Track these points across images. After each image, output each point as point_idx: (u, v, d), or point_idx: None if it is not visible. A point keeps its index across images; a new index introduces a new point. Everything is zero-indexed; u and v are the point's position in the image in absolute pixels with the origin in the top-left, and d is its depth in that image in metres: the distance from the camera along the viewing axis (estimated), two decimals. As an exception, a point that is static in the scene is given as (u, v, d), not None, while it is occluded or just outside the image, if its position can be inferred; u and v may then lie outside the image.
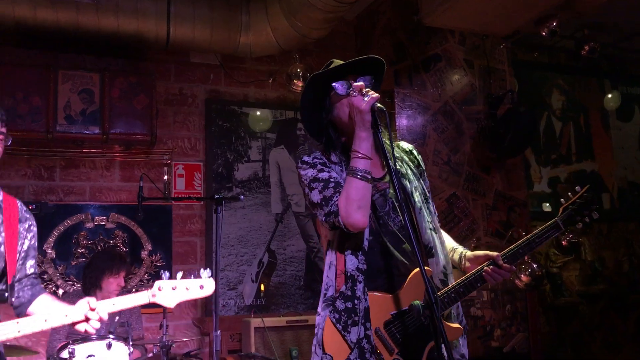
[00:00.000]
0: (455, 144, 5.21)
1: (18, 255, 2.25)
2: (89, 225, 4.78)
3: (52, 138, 4.48)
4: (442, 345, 1.82)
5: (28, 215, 2.34)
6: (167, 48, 4.90)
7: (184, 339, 4.35)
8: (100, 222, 4.81)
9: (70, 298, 3.86)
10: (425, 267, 2.01)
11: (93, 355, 3.24)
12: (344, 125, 2.18)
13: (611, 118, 6.80)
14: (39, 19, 4.37)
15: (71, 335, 3.71)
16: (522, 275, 4.99)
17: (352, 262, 2.10)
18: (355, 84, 2.07)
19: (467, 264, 2.27)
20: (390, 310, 2.08)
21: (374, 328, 2.05)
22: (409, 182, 2.22)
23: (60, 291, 4.56)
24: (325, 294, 2.16)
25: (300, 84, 5.15)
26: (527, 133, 5.22)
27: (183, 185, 5.14)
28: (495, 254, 2.18)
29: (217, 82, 5.43)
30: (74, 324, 2.14)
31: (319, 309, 2.18)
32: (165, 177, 5.02)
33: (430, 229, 2.19)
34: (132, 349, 3.39)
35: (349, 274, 2.09)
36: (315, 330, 2.16)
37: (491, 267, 2.15)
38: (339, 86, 2.13)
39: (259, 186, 5.42)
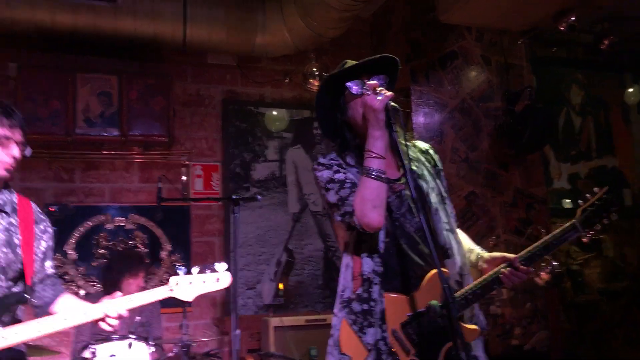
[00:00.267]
0: (472, 141, 5.17)
1: (35, 256, 2.28)
2: (109, 226, 4.84)
3: (72, 140, 4.54)
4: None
5: (43, 217, 2.38)
6: (184, 50, 4.93)
7: (204, 339, 4.38)
8: (120, 223, 4.86)
9: (92, 299, 3.90)
10: (442, 269, 1.99)
11: (115, 355, 3.28)
12: (358, 126, 2.17)
13: (632, 113, 6.69)
14: (58, 23, 4.43)
15: (94, 335, 3.76)
16: (542, 273, 4.92)
17: (368, 264, 2.09)
18: (368, 82, 2.06)
19: (484, 265, 2.25)
20: (407, 311, 2.07)
21: (391, 329, 2.05)
22: (425, 182, 2.20)
23: (82, 292, 4.62)
24: (342, 295, 2.17)
25: (316, 83, 5.15)
26: (546, 129, 5.17)
27: (201, 186, 5.17)
28: (512, 256, 2.16)
29: (234, 82, 5.46)
30: (94, 322, 2.17)
31: (335, 310, 2.19)
32: (184, 177, 5.06)
33: (447, 230, 2.18)
34: (152, 349, 3.42)
35: (365, 277, 2.08)
36: (332, 332, 2.16)
37: (508, 269, 2.13)
38: (353, 86, 2.12)
39: (276, 186, 5.44)
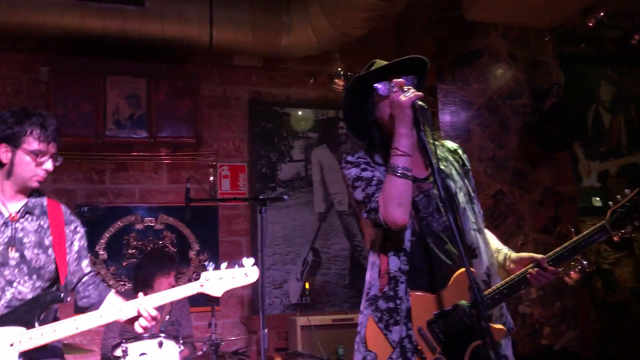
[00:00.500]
0: (500, 139, 5.12)
1: (68, 257, 2.33)
2: (139, 226, 4.92)
3: (102, 142, 4.63)
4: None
5: (73, 218, 2.42)
6: (210, 52, 4.98)
7: (232, 338, 4.42)
8: (150, 224, 4.94)
9: (122, 298, 3.98)
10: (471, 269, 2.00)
11: (145, 354, 3.32)
12: (386, 126, 2.18)
13: (664, 108, 6.56)
14: (87, 27, 4.51)
15: (124, 333, 3.83)
16: (572, 272, 4.87)
17: (394, 262, 2.10)
18: (396, 80, 2.07)
19: (512, 265, 2.24)
20: (433, 309, 2.08)
21: (417, 327, 2.06)
22: (454, 182, 2.20)
23: (104, 284, 4.69)
24: (368, 293, 2.18)
25: (341, 83, 5.16)
26: (575, 126, 5.10)
27: (228, 186, 5.22)
28: (540, 256, 2.15)
29: (260, 83, 5.49)
30: (128, 320, 2.22)
31: (361, 308, 2.21)
32: (211, 178, 5.11)
33: (474, 229, 2.17)
34: (182, 347, 3.47)
35: (391, 275, 2.10)
36: (358, 329, 2.19)
37: (536, 269, 2.12)
38: (381, 87, 2.13)
39: (302, 185, 5.46)
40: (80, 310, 2.37)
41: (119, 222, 4.88)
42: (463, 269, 2.05)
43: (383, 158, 2.20)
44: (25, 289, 2.20)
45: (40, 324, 2.13)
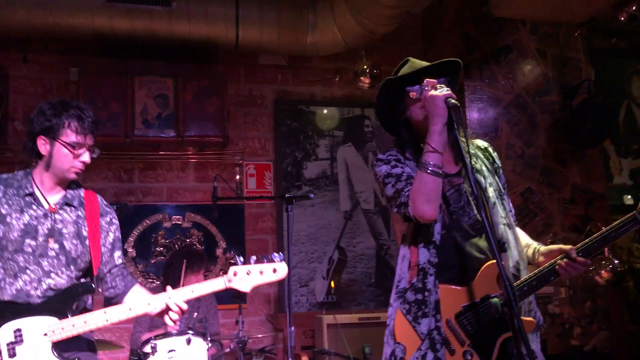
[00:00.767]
0: (529, 136, 5.05)
1: (103, 247, 2.37)
2: (167, 224, 4.97)
3: (131, 142, 4.69)
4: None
5: (109, 210, 2.46)
6: (237, 51, 5.01)
7: (259, 335, 4.44)
8: (177, 222, 4.99)
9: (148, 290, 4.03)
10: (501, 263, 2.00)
11: (174, 350, 3.36)
12: (417, 126, 2.23)
13: (698, 104, 6.39)
14: (115, 28, 4.58)
15: (153, 327, 3.88)
16: (603, 272, 4.79)
17: (424, 254, 2.14)
18: (428, 80, 2.09)
19: (541, 258, 2.24)
20: (461, 302, 2.10)
21: (445, 319, 2.08)
22: (484, 178, 2.24)
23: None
24: (397, 286, 2.22)
25: (367, 80, 5.13)
26: (606, 123, 5.00)
27: (254, 185, 5.25)
28: (569, 247, 2.14)
29: (285, 82, 5.51)
30: (158, 313, 2.24)
31: (391, 300, 2.24)
32: (238, 177, 5.15)
33: (504, 224, 2.20)
34: (210, 344, 3.50)
35: (420, 267, 2.13)
36: (387, 321, 2.22)
37: (565, 260, 2.11)
38: (412, 91, 2.16)
39: (328, 184, 5.46)
40: (106, 300, 2.40)
41: (147, 220, 4.94)
42: (491, 261, 2.08)
43: (413, 154, 2.24)
44: (62, 279, 2.24)
45: (72, 315, 2.17)
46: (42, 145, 2.24)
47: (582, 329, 4.91)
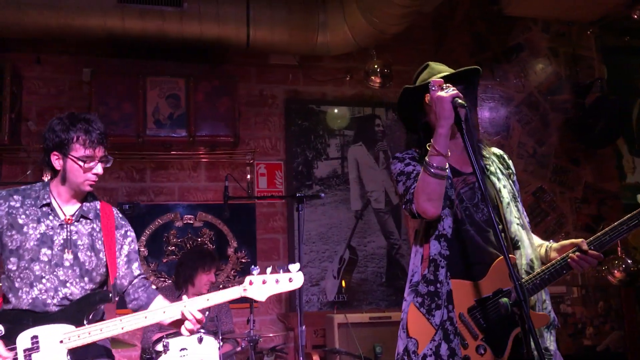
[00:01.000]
0: (540, 135, 5.03)
1: (118, 260, 2.40)
2: (178, 224, 5.00)
3: (143, 142, 4.72)
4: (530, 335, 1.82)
5: (124, 222, 2.48)
6: (247, 51, 5.03)
7: (270, 334, 4.45)
8: (189, 221, 5.02)
9: (162, 293, 4.05)
10: (510, 255, 2.03)
11: (185, 349, 3.39)
12: (434, 128, 2.23)
13: None
14: (127, 29, 4.61)
15: (164, 327, 3.90)
16: (616, 271, 4.75)
17: (435, 247, 2.16)
18: (434, 79, 2.10)
19: (554, 254, 2.24)
20: (473, 296, 2.12)
21: (458, 313, 2.09)
22: (498, 180, 2.27)
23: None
24: (410, 280, 2.25)
25: (378, 80, 5.13)
26: (618, 122, 4.98)
27: (265, 184, 5.26)
28: (581, 240, 2.15)
29: (296, 82, 5.52)
30: (171, 323, 2.26)
31: (405, 294, 2.26)
32: (249, 176, 5.17)
33: (518, 224, 2.22)
34: (221, 343, 3.52)
35: (432, 258, 2.16)
36: (402, 315, 2.24)
37: (577, 253, 2.11)
38: (428, 97, 2.17)
39: (338, 183, 5.46)
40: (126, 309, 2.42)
41: (159, 220, 4.97)
42: (502, 257, 2.08)
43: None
44: (77, 290, 2.27)
45: (88, 323, 2.20)
46: (56, 160, 2.29)
47: (594, 328, 4.89)
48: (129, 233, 2.47)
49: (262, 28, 4.80)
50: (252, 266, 2.26)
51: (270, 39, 4.89)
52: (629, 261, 4.75)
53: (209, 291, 3.83)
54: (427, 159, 2.08)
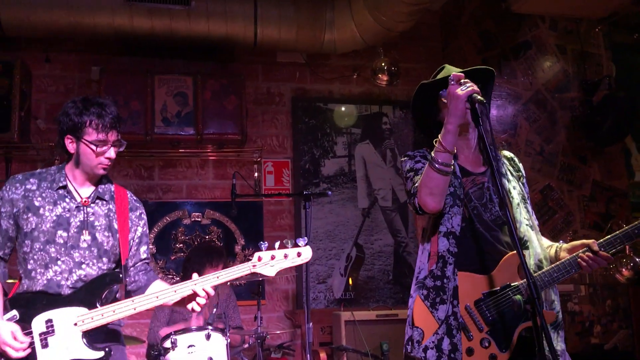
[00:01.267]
0: (548, 133, 5.02)
1: (131, 241, 2.42)
2: (186, 221, 5.02)
3: (151, 140, 4.74)
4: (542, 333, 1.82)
5: (138, 205, 2.50)
6: (255, 49, 5.04)
7: (277, 331, 4.47)
8: (197, 219, 5.04)
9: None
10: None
11: (193, 345, 3.40)
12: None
13: None
14: (136, 27, 4.63)
15: (171, 322, 3.93)
16: (624, 270, 4.74)
17: (443, 243, 2.18)
18: (454, 73, 2.09)
19: (564, 254, 2.25)
20: (480, 289, 2.13)
21: (464, 305, 2.11)
22: (508, 181, 2.29)
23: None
24: (417, 277, 2.26)
25: (385, 77, 5.13)
26: (627, 119, 4.94)
27: (272, 182, 5.28)
28: (591, 241, 2.16)
29: (303, 79, 5.53)
30: (182, 300, 2.26)
31: (411, 292, 2.28)
32: (256, 174, 5.18)
33: (527, 224, 2.23)
34: (229, 340, 3.54)
35: (440, 254, 2.17)
36: (408, 312, 2.26)
37: (587, 253, 2.13)
38: (444, 94, 2.18)
39: (345, 181, 5.47)
40: (127, 294, 2.44)
41: (167, 217, 4.99)
42: (513, 252, 2.13)
43: None
44: (93, 270, 2.29)
45: (101, 304, 2.22)
46: (70, 144, 2.31)
47: (602, 327, 4.87)
48: (142, 215, 2.50)
49: (270, 26, 4.82)
50: (260, 242, 2.26)
51: (277, 37, 4.90)
52: (637, 260, 4.73)
53: (216, 288, 3.85)
54: (433, 154, 2.10)
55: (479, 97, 1.98)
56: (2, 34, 4.53)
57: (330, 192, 5.16)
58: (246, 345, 3.98)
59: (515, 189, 2.28)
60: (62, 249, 2.26)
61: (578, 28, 5.24)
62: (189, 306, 2.26)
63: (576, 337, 4.78)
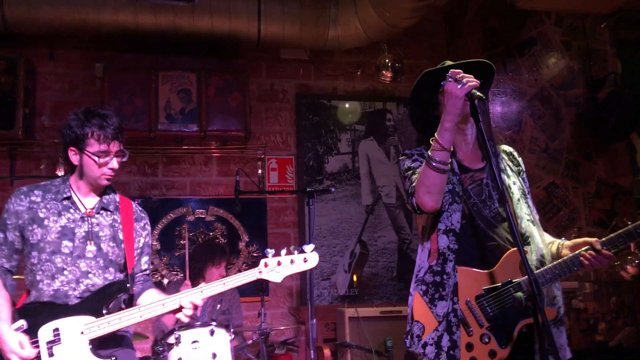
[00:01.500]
0: (553, 130, 5.00)
1: (135, 251, 2.44)
2: (190, 218, 5.03)
3: (155, 136, 4.75)
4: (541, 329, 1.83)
5: (143, 215, 2.53)
6: (259, 46, 5.04)
7: (281, 327, 4.48)
8: (200, 215, 5.05)
9: (174, 287, 4.09)
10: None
11: (197, 341, 3.40)
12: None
13: None
14: (140, 24, 4.64)
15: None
16: (629, 267, 4.72)
17: (443, 240, 2.17)
18: (453, 70, 2.06)
19: (566, 251, 2.24)
20: (481, 285, 2.12)
21: (465, 300, 2.10)
22: (508, 176, 2.27)
23: (166, 280, 4.84)
24: (417, 275, 2.25)
25: (389, 74, 5.12)
26: (632, 116, 4.92)
27: (276, 179, 5.28)
28: (594, 239, 2.15)
29: (307, 76, 5.52)
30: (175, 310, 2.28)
31: (411, 289, 2.27)
32: (260, 171, 5.18)
33: (529, 220, 2.22)
34: (233, 336, 3.54)
35: (440, 251, 2.16)
36: (408, 310, 2.26)
37: (589, 251, 2.12)
38: (444, 85, 2.14)
39: (349, 178, 5.46)
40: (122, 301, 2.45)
41: (171, 214, 5.00)
42: (514, 249, 2.11)
43: None
44: (99, 280, 2.31)
45: (108, 313, 2.23)
46: (73, 156, 2.34)
47: (607, 324, 4.86)
48: (146, 226, 2.53)
49: (273, 22, 4.81)
50: (266, 249, 2.27)
51: (281, 34, 4.89)
52: (642, 256, 4.72)
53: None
54: (429, 152, 2.08)
55: (478, 92, 1.96)
56: (6, 31, 4.54)
57: (334, 189, 5.15)
58: (249, 342, 3.99)
59: (515, 184, 2.27)
60: (68, 259, 2.27)
61: (583, 24, 5.21)
62: (177, 316, 2.28)
63: (581, 335, 4.76)
